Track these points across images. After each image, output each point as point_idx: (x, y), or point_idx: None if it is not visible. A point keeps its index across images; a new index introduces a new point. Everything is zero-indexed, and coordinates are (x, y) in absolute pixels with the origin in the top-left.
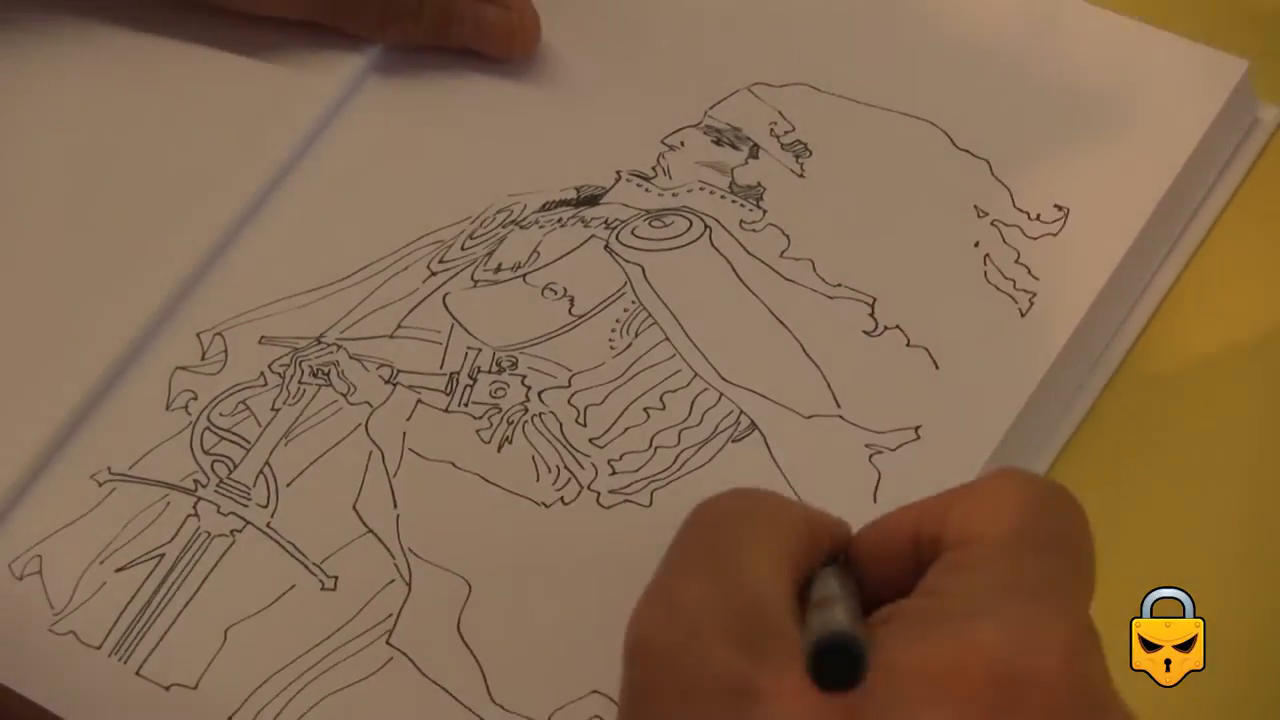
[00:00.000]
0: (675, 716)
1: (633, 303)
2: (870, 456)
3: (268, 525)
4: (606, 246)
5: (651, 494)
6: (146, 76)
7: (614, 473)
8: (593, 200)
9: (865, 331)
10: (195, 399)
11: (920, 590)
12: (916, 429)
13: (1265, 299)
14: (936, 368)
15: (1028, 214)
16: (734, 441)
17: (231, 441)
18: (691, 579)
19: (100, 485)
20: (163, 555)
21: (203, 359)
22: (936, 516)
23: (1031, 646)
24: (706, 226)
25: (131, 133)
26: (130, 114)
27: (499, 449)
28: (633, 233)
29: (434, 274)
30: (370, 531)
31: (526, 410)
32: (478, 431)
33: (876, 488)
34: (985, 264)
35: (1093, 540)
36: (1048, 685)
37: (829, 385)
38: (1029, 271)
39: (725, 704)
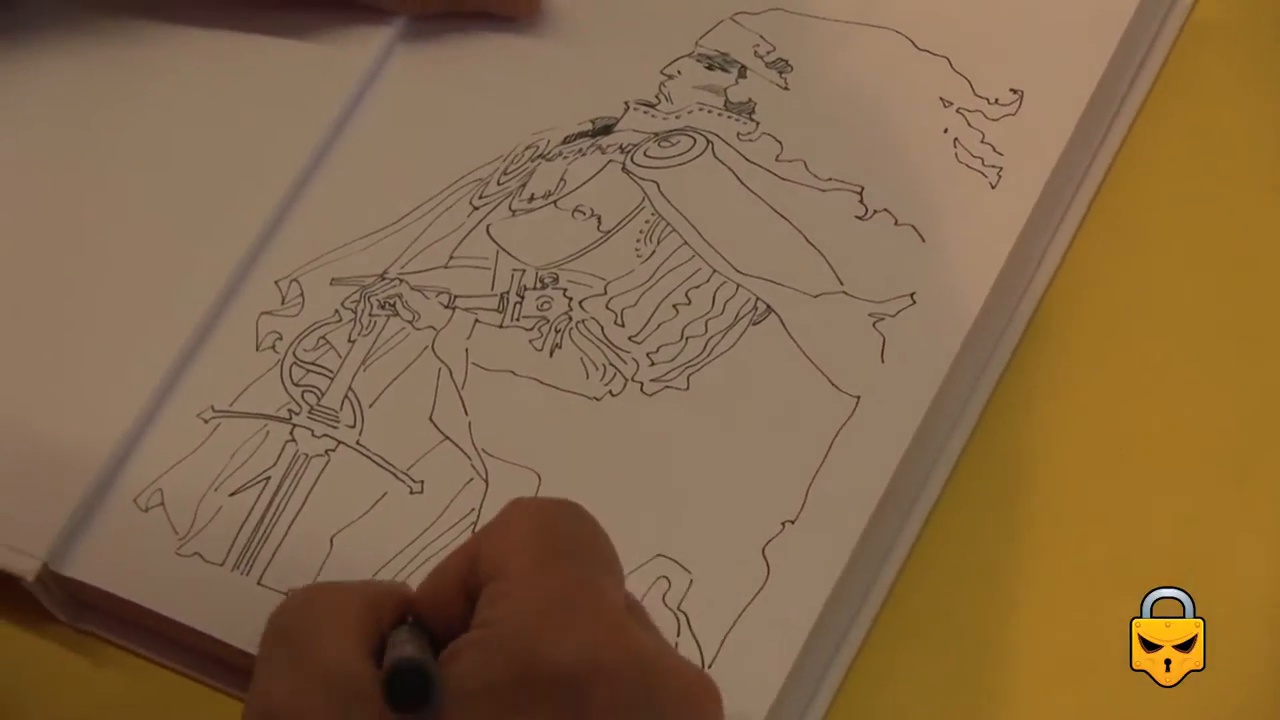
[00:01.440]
0: None
1: (652, 215)
2: (874, 323)
3: (357, 442)
4: (623, 168)
5: (688, 378)
6: (206, 63)
7: (653, 364)
8: (607, 129)
9: (857, 217)
10: (280, 339)
11: (474, 624)
12: (912, 295)
13: (1203, 158)
14: (923, 241)
15: (987, 99)
16: (754, 324)
17: (316, 373)
18: (276, 680)
19: (206, 422)
20: (269, 478)
21: (283, 303)
22: (472, 557)
23: (587, 647)
24: (708, 142)
25: (199, 114)
26: (194, 98)
27: (550, 354)
28: (644, 154)
29: (476, 209)
30: (447, 438)
31: (570, 318)
32: (530, 341)
33: (883, 350)
34: (955, 147)
35: (604, 533)
36: (608, 674)
37: (831, 266)
38: (994, 149)
39: None
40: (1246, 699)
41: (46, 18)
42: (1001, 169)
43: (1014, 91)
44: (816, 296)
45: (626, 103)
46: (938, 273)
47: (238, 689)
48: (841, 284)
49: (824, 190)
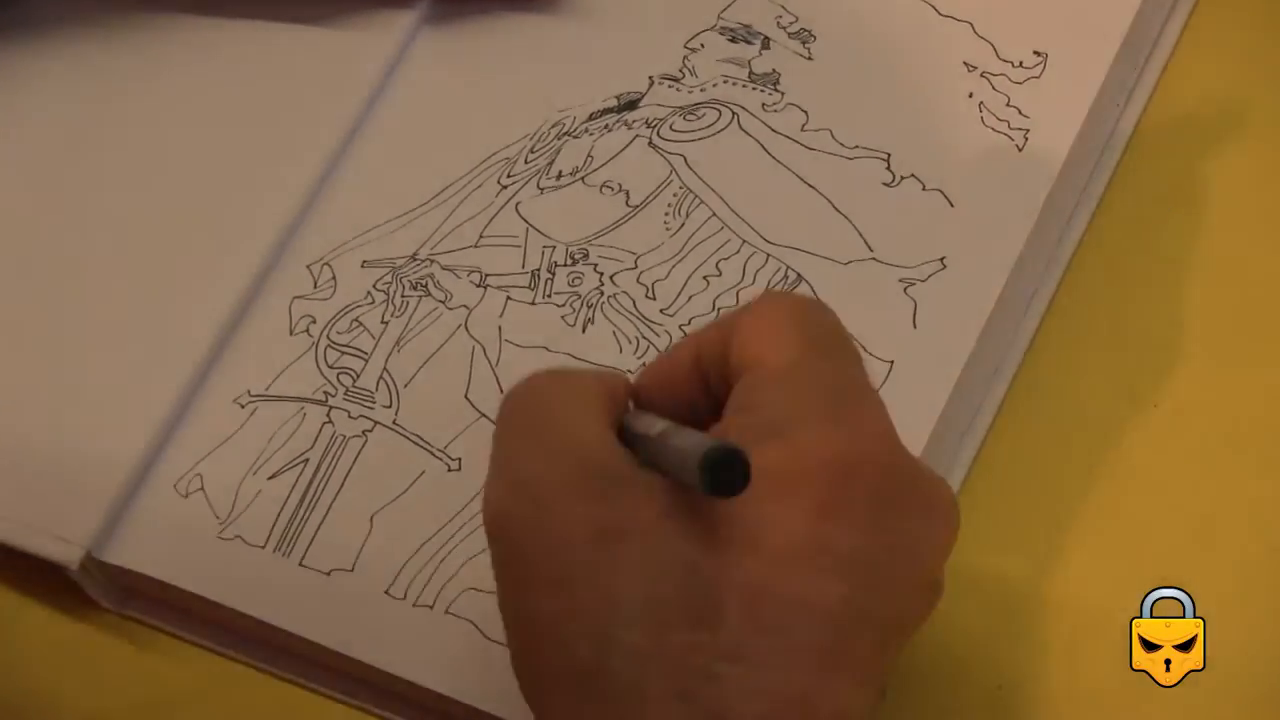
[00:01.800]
0: (547, 574)
1: (680, 188)
2: (905, 289)
3: (394, 422)
4: (650, 143)
5: None
6: (232, 51)
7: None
8: (632, 105)
9: (885, 183)
10: (314, 322)
11: (734, 408)
12: (942, 259)
13: (1230, 114)
14: (951, 205)
15: (1011, 63)
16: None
17: (351, 355)
18: (525, 456)
19: (242, 407)
20: (307, 460)
21: (315, 287)
22: (718, 343)
23: (856, 438)
24: (734, 114)
25: (226, 103)
26: (221, 86)
27: (583, 330)
28: (671, 128)
29: (504, 188)
30: (483, 415)
31: (602, 293)
32: (562, 317)
33: (915, 315)
34: (980, 110)
35: (844, 328)
36: (874, 465)
37: (860, 233)
38: (1020, 112)
39: (593, 548)
40: (1246, 699)
41: (65, 9)
42: (1028, 131)
43: (1038, 54)
44: (847, 264)
45: (651, 78)
46: (967, 237)
47: (281, 670)
48: (871, 250)
49: (850, 158)
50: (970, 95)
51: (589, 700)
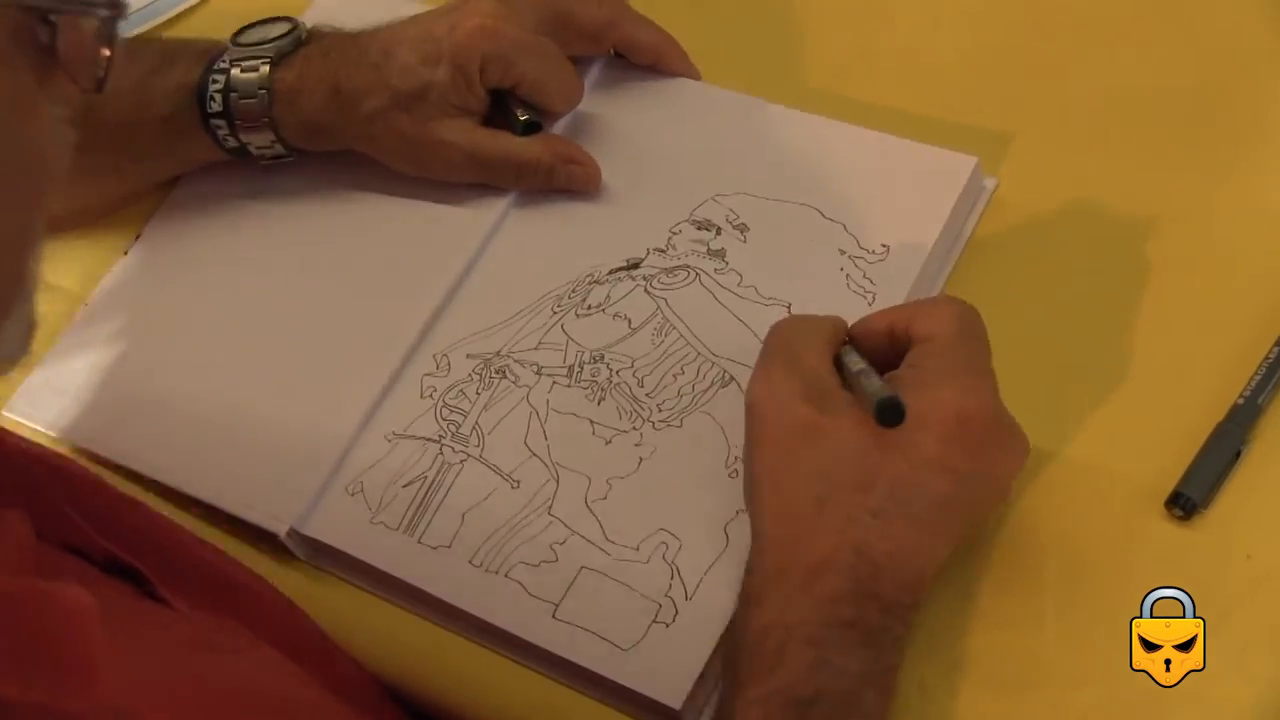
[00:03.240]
0: (778, 446)
1: (662, 319)
2: None
3: (480, 456)
4: (645, 290)
5: (681, 420)
6: (393, 215)
7: (660, 411)
8: (636, 265)
9: None
10: (435, 391)
11: (907, 364)
12: None
13: (1008, 297)
14: None
15: (868, 251)
16: (722, 387)
17: (457, 414)
18: (775, 368)
19: (389, 441)
20: (425, 477)
21: (437, 369)
22: (906, 318)
23: (972, 398)
24: (697, 274)
25: (390, 249)
26: (387, 239)
27: (599, 404)
28: (658, 281)
29: (555, 314)
30: (534, 455)
31: (611, 382)
32: (585, 396)
33: None
34: (847, 280)
35: (985, 330)
36: (983, 417)
37: None
38: (871, 282)
39: (806, 436)
40: (1246, 699)
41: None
42: (875, 294)
43: (884, 246)
44: None
45: (648, 249)
46: None
47: (411, 606)
48: None
49: (766, 305)
50: (841, 269)
51: (785, 521)
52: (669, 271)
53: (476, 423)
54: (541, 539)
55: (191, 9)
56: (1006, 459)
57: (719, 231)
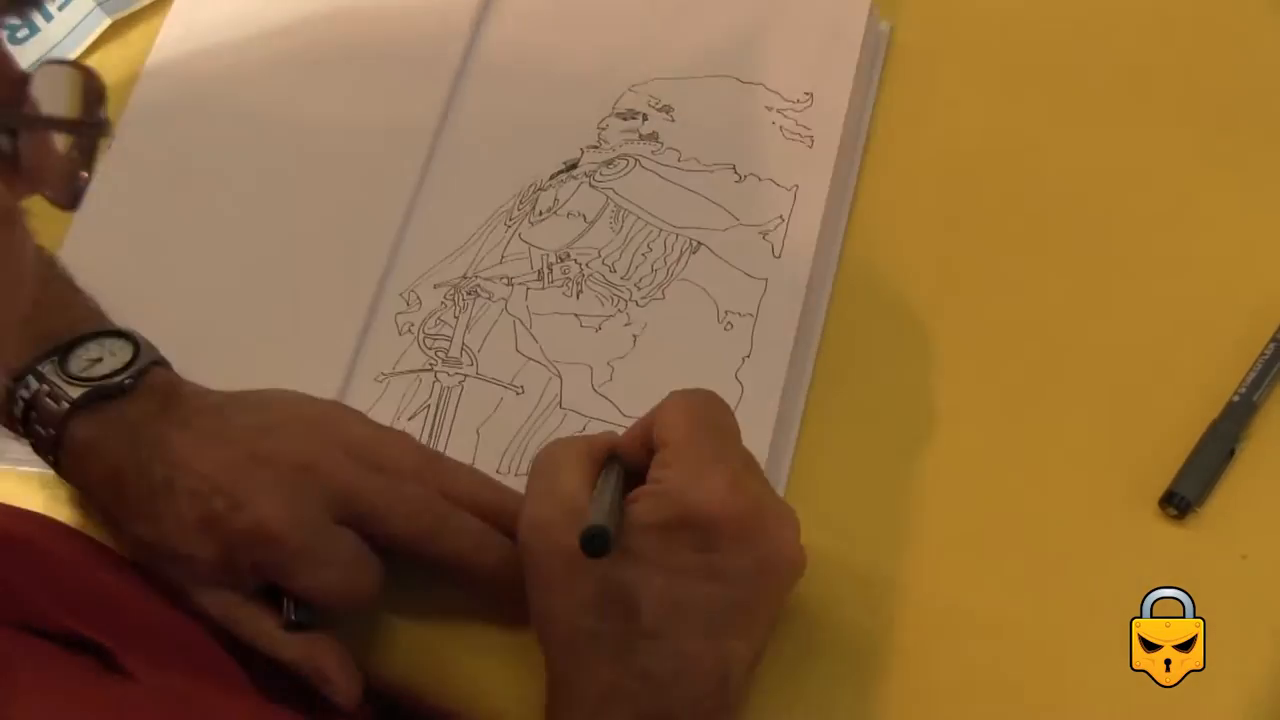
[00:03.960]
0: (545, 581)
1: (615, 207)
2: (763, 235)
3: (477, 374)
4: (590, 185)
5: (663, 291)
6: (316, 172)
7: (639, 289)
8: (574, 165)
9: (735, 181)
10: (413, 325)
11: (649, 479)
12: (780, 216)
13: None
14: (778, 185)
15: (793, 101)
16: (693, 254)
17: (440, 339)
18: (536, 497)
19: (379, 382)
20: (429, 406)
21: (408, 305)
22: (646, 429)
23: (716, 496)
24: (636, 160)
25: (322, 207)
26: (317, 196)
27: (577, 298)
28: (599, 175)
29: (509, 226)
30: (530, 359)
31: (583, 275)
32: (562, 293)
33: (773, 249)
34: (782, 131)
35: (730, 412)
36: (731, 512)
37: (728, 211)
38: (805, 128)
39: (567, 568)
40: (1246, 699)
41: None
42: (813, 136)
43: (806, 94)
44: (725, 230)
45: (581, 148)
46: (792, 201)
47: None
48: (737, 219)
49: (712, 171)
50: (773, 123)
51: (566, 656)
52: (608, 164)
53: (464, 343)
54: (561, 431)
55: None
56: (773, 542)
57: (645, 118)
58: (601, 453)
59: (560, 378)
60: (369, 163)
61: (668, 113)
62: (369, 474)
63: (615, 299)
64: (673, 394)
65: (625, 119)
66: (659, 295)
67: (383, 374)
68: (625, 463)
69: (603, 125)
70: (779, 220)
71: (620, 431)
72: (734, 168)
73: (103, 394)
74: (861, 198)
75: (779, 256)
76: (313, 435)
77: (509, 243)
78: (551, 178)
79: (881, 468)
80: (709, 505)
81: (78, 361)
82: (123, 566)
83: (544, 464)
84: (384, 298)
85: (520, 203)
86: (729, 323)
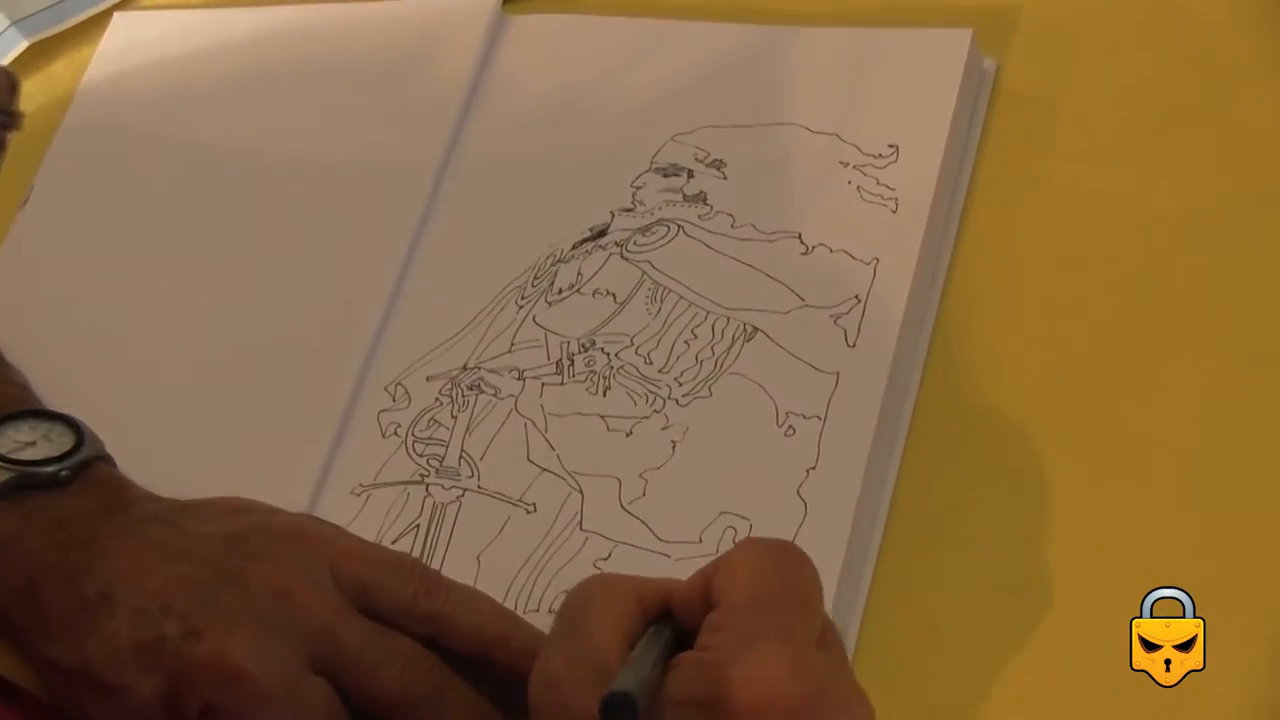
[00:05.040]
0: None
1: (652, 284)
2: (834, 321)
3: (479, 487)
4: (621, 256)
5: (709, 388)
6: (289, 243)
7: (681, 384)
8: (602, 232)
9: (800, 253)
10: (399, 426)
11: (697, 645)
12: (856, 296)
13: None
14: (853, 259)
15: (873, 156)
16: (747, 341)
17: (434, 444)
18: (560, 648)
19: (358, 495)
20: (419, 525)
21: (394, 402)
22: (707, 582)
23: (754, 672)
24: (679, 226)
25: (294, 285)
26: (289, 273)
27: (604, 395)
28: (634, 244)
29: (521, 307)
30: (544, 470)
31: (611, 367)
32: (586, 390)
33: (846, 337)
34: (859, 192)
35: (812, 570)
36: (791, 700)
37: (792, 290)
38: (888, 188)
39: None
40: (1246, 699)
41: None
42: (897, 198)
43: (891, 147)
44: (787, 313)
45: (611, 211)
46: (871, 278)
47: None
48: (803, 300)
49: (772, 240)
50: (849, 183)
51: None
52: (644, 231)
53: (462, 450)
54: (581, 559)
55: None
56: None
57: (690, 175)
58: (655, 602)
59: (581, 493)
60: (348, 217)
61: (718, 168)
62: (356, 617)
63: (651, 397)
64: (743, 542)
65: (666, 175)
66: (705, 392)
67: (361, 485)
68: (680, 619)
69: (638, 184)
70: (854, 301)
71: (658, 566)
72: (800, 237)
73: (32, 483)
74: (956, 275)
75: (854, 346)
76: (293, 554)
77: (521, 326)
78: (574, 247)
79: (976, 614)
80: (756, 686)
81: (5, 442)
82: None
83: (575, 605)
84: (365, 391)
85: (535, 277)
86: (791, 427)
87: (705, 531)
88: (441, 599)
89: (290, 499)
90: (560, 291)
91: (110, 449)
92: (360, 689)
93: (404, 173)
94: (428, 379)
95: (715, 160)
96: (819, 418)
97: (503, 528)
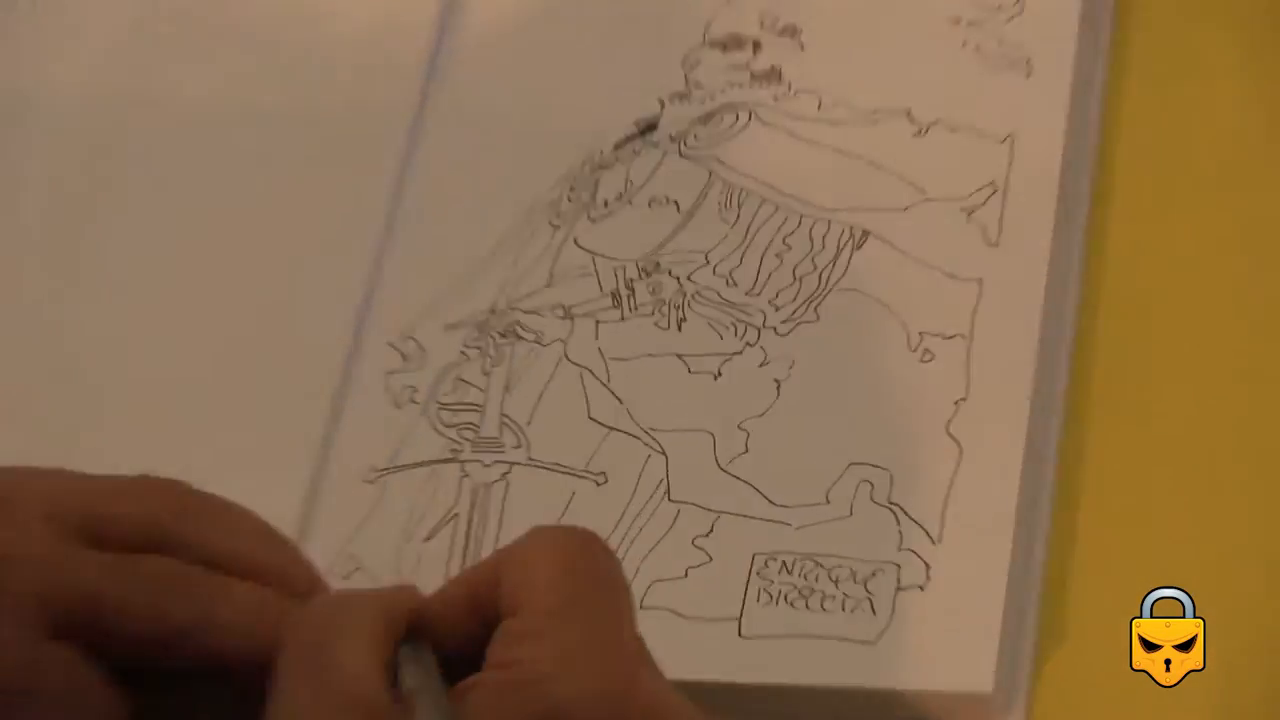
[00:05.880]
0: None
1: (725, 186)
2: (968, 215)
3: (529, 459)
4: (680, 154)
5: (815, 310)
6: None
7: (777, 309)
8: (652, 127)
9: (913, 134)
10: (416, 391)
11: (491, 663)
12: (992, 183)
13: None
14: (983, 135)
15: (993, 7)
16: (856, 249)
17: (466, 410)
18: (296, 690)
19: (372, 484)
20: (456, 515)
21: (404, 359)
22: (490, 583)
23: (585, 686)
24: (750, 112)
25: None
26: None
27: (679, 329)
28: (694, 137)
29: (557, 228)
30: (612, 429)
31: (684, 293)
32: (654, 324)
33: (985, 234)
34: (977, 52)
35: (619, 567)
36: (605, 712)
37: (907, 180)
38: (1014, 47)
39: None
40: (1246, 699)
41: None
42: (1030, 59)
43: None
44: (905, 209)
45: (661, 99)
46: (1009, 160)
47: None
48: (924, 192)
49: (874, 122)
50: (964, 43)
51: None
52: (704, 120)
53: (503, 414)
54: (675, 539)
55: None
56: None
57: (757, 46)
58: (401, 617)
59: (665, 454)
60: (327, 141)
61: (793, 35)
62: (85, 553)
63: (740, 326)
64: (531, 534)
65: (726, 49)
66: (810, 316)
67: (375, 470)
68: (437, 636)
69: (693, 61)
70: (990, 189)
71: (778, 538)
72: (908, 114)
73: None
74: (1118, 143)
75: (996, 245)
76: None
77: (560, 252)
78: (617, 147)
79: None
80: (594, 706)
81: None
82: None
83: (310, 634)
84: (365, 348)
85: (572, 189)
86: (927, 350)
87: (832, 490)
88: (192, 519)
89: (281, 493)
90: (605, 204)
91: (67, 431)
92: (116, 640)
93: (387, 69)
94: (446, 326)
95: (787, 26)
96: (963, 336)
97: (567, 507)
